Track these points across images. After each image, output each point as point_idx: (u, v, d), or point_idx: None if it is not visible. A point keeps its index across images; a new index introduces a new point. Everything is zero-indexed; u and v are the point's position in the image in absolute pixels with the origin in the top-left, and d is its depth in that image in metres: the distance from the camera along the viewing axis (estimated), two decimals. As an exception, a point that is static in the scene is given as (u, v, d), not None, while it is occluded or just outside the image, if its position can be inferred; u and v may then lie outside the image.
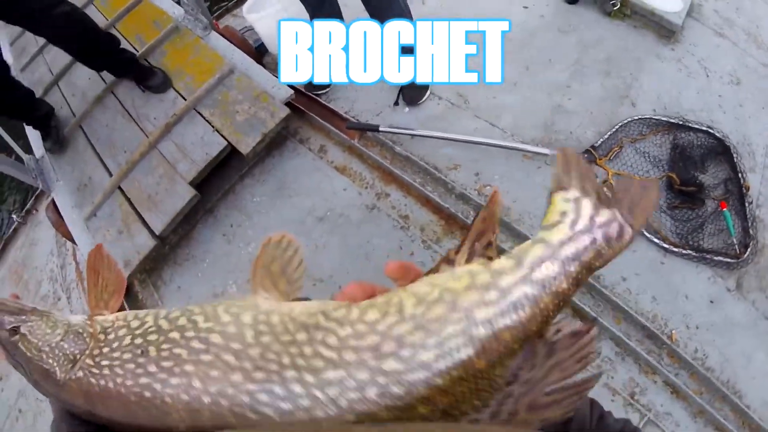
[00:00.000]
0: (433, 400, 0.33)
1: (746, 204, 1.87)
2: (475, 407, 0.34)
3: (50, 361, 0.42)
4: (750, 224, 1.82)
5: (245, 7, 2.55)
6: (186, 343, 0.39)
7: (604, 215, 0.38)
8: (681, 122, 2.07)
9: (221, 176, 2.09)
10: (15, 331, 0.44)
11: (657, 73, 2.24)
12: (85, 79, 2.50)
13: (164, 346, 0.40)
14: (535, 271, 0.35)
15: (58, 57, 2.66)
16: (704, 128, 2.06)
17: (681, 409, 1.53)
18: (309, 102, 2.17)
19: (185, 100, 2.18)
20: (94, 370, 0.40)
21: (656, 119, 2.07)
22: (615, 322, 1.64)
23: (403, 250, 1.84)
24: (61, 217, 2.23)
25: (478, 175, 1.94)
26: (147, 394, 0.38)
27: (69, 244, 2.48)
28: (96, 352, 0.42)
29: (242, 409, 0.35)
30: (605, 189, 0.39)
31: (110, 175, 2.15)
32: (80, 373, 0.41)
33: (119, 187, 2.10)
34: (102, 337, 0.43)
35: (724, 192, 1.92)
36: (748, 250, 1.76)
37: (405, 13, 1.89)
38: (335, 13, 1.99)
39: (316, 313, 0.39)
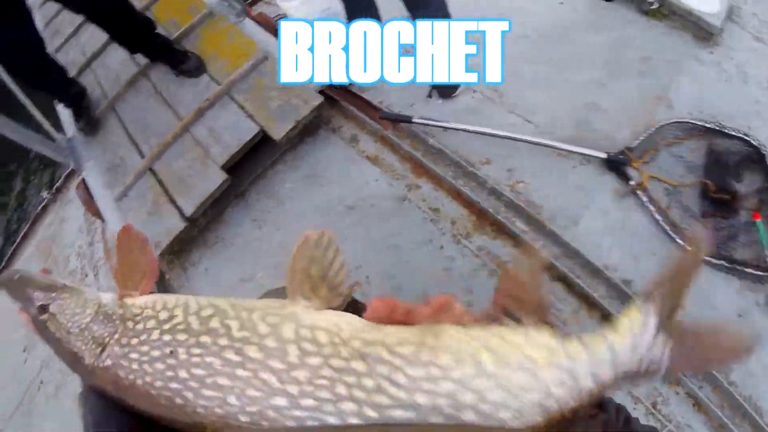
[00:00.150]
0: None
1: (780, 216, 1.83)
2: None
3: (79, 344, 0.42)
4: (784, 237, 1.78)
5: (280, -6, 2.55)
6: (219, 351, 0.38)
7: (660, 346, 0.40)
8: (717, 127, 2.03)
9: (253, 161, 2.10)
10: (44, 309, 0.44)
11: (694, 76, 2.19)
12: (118, 63, 2.53)
13: (195, 351, 0.39)
14: (599, 371, 0.39)
15: (91, 40, 2.68)
16: (741, 135, 2.01)
17: (701, 423, 1.50)
18: (342, 91, 2.17)
19: (219, 85, 2.19)
20: (123, 362, 0.40)
21: (693, 123, 2.03)
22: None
23: (433, 243, 1.83)
24: (91, 196, 2.26)
25: (511, 171, 1.93)
26: (178, 401, 0.37)
27: (97, 222, 2.51)
28: (124, 341, 0.41)
29: None
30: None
31: (142, 156, 2.17)
32: (108, 362, 0.40)
33: (150, 169, 2.12)
34: (131, 324, 0.42)
35: (758, 202, 1.88)
36: (781, 264, 1.72)
37: (443, 6, 1.88)
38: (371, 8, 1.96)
39: (375, 343, 0.38)
